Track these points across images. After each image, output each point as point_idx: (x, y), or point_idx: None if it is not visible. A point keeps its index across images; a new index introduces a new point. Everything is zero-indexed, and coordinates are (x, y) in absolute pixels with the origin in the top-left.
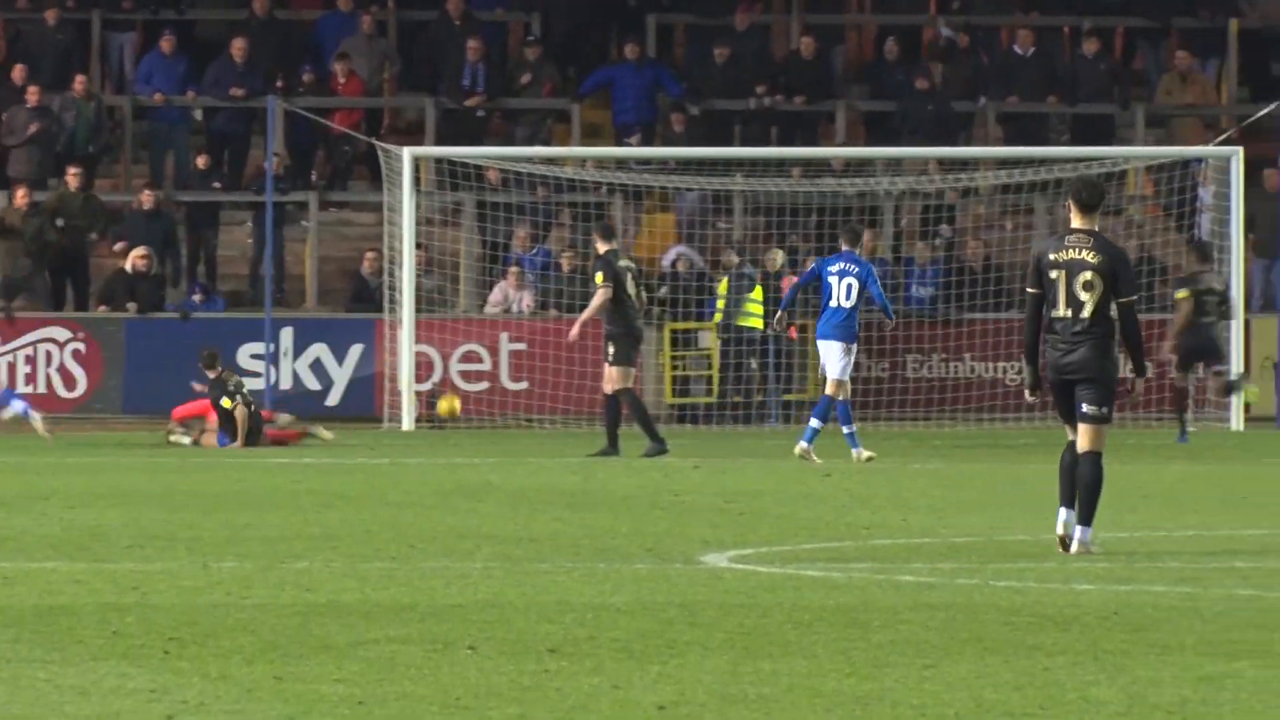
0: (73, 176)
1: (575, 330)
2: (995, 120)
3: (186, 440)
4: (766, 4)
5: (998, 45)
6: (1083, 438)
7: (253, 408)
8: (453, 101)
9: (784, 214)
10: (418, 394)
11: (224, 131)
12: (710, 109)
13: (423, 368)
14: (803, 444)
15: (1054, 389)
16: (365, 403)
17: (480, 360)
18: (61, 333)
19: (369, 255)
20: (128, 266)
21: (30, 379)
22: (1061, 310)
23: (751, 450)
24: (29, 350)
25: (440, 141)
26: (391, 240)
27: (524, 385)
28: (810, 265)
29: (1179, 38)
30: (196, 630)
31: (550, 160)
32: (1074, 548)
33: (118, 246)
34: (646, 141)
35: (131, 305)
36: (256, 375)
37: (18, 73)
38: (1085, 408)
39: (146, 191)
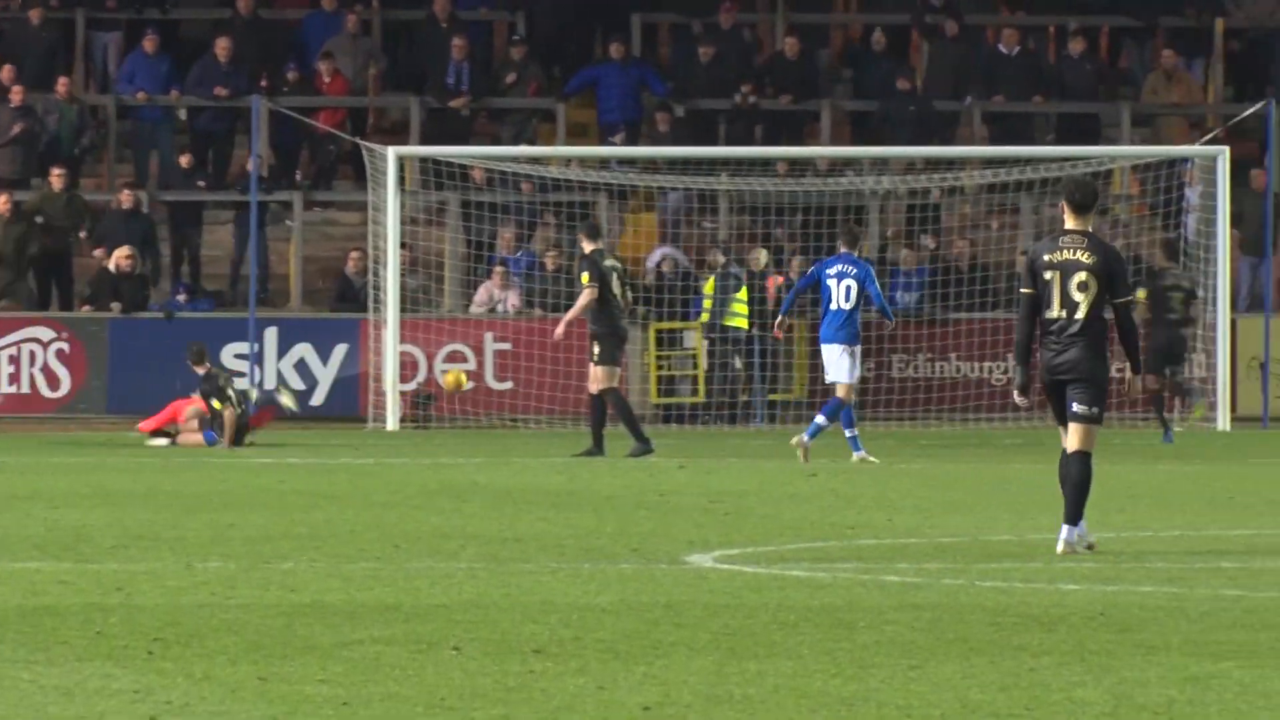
0: (56, 177)
1: (560, 329)
2: (981, 120)
3: (163, 441)
4: (751, 3)
5: (984, 44)
6: (1072, 437)
7: (242, 409)
8: (437, 101)
9: (769, 213)
10: (402, 394)
11: (208, 131)
12: (695, 108)
13: (407, 368)
14: (804, 438)
15: (1046, 390)
16: (350, 403)
17: (465, 360)
18: (45, 332)
19: (353, 255)
20: (112, 266)
21: (14, 379)
22: (1055, 311)
23: (737, 450)
24: (13, 350)
25: (425, 141)
26: (376, 240)
27: (509, 385)
28: (804, 269)
29: (1165, 37)
30: (181, 631)
31: (535, 160)
32: (1060, 547)
33: (97, 252)
34: (631, 141)
35: (116, 305)
36: (241, 375)
37: (3, 73)
38: (1076, 407)
39: (125, 191)
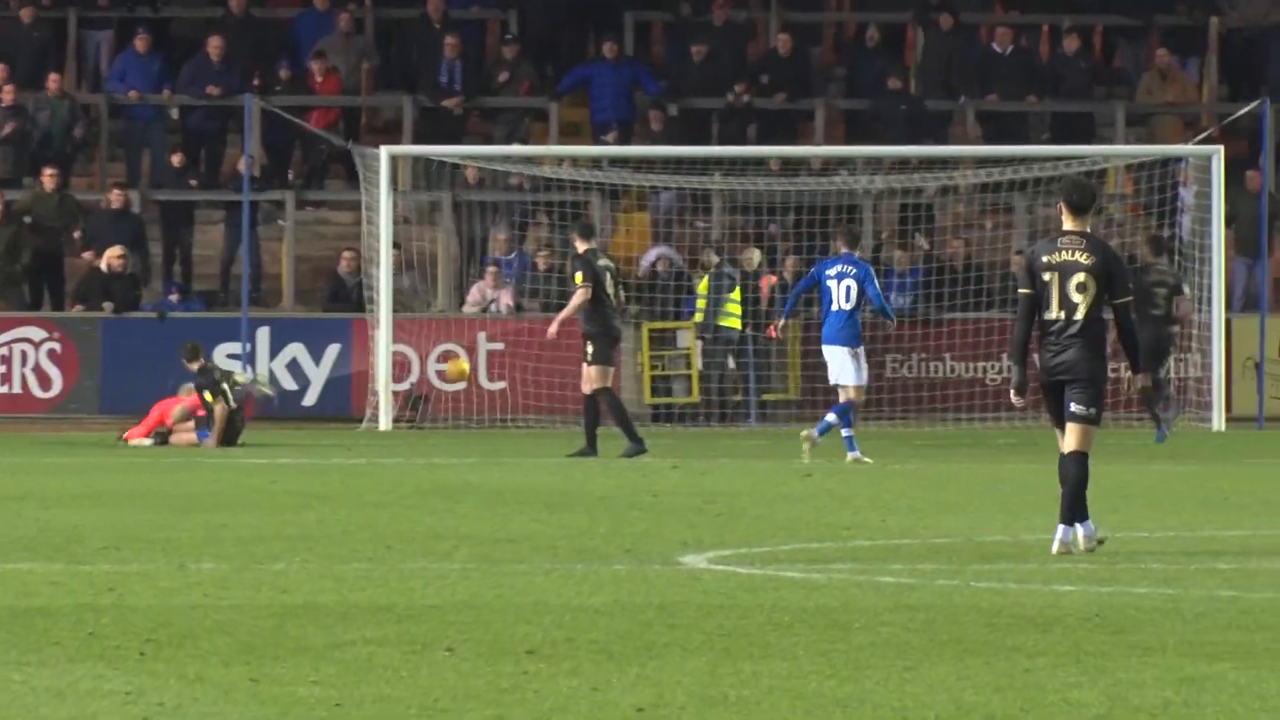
0: (48, 177)
1: (554, 328)
2: (975, 119)
3: (148, 442)
4: (744, 1)
5: (978, 43)
6: (1070, 437)
7: (236, 407)
8: (430, 100)
9: (762, 213)
10: (395, 394)
11: (200, 130)
12: (689, 107)
13: (400, 367)
14: (814, 434)
15: (1045, 391)
16: (342, 403)
17: (458, 359)
18: (37, 332)
19: (346, 255)
20: (103, 266)
21: (5, 379)
22: (1054, 312)
23: (730, 450)
24: (4, 350)
25: (418, 140)
26: (369, 239)
27: (502, 385)
28: (799, 269)
29: (1159, 36)
30: (173, 632)
31: (528, 159)
32: (1055, 547)
33: (86, 254)
34: (624, 140)
35: (107, 305)
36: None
37: None
38: (1074, 407)
39: (115, 191)
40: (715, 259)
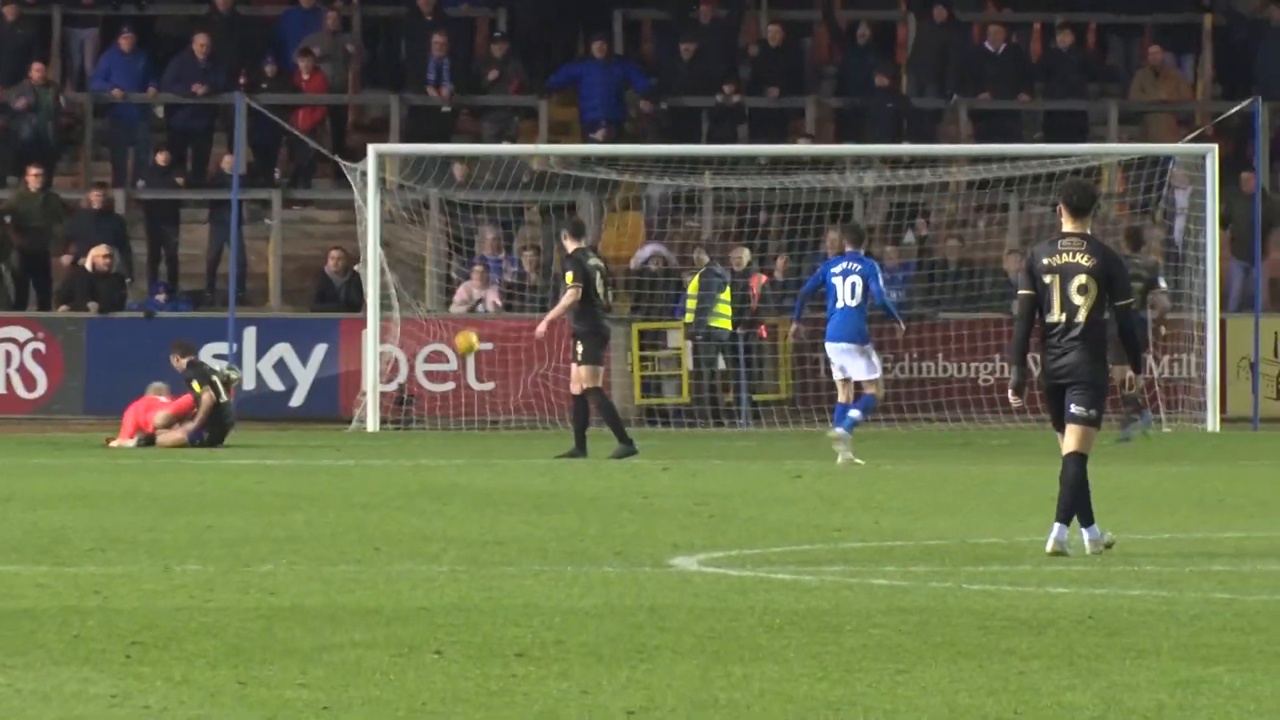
0: (33, 177)
1: (542, 327)
2: (967, 117)
3: (131, 443)
4: None
5: (969, 41)
6: (1069, 438)
7: (225, 401)
8: (418, 98)
9: (752, 211)
10: (382, 394)
11: (186, 129)
12: (678, 105)
13: (388, 367)
14: (841, 430)
15: (1046, 393)
16: (330, 403)
17: (446, 360)
18: (21, 332)
19: (334, 254)
20: (89, 265)
21: None
22: (1055, 315)
23: (721, 452)
24: None
25: (406, 138)
26: (357, 238)
27: (490, 386)
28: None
29: (1152, 33)
30: (159, 634)
31: (517, 157)
32: (1049, 546)
33: (64, 258)
34: (614, 138)
35: (93, 305)
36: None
37: None
38: (1074, 409)
39: (95, 190)
40: (705, 258)
